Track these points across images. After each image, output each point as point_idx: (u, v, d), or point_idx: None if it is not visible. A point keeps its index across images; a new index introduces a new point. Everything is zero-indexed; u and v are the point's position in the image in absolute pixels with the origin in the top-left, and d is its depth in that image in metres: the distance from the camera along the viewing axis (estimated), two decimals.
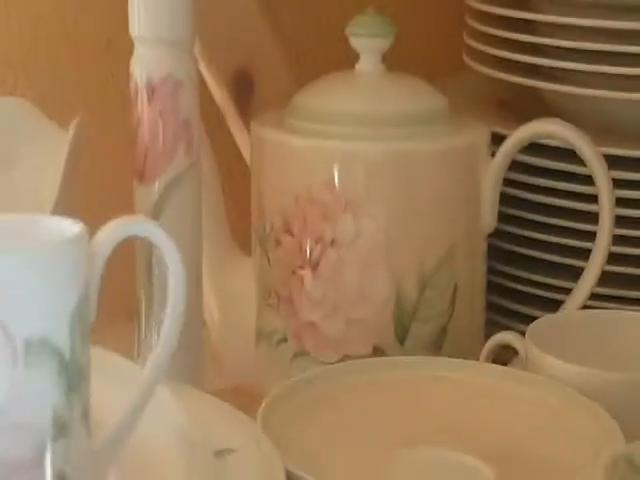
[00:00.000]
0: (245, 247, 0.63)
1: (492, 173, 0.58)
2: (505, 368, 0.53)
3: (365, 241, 0.56)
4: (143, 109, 0.55)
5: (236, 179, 0.71)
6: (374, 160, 0.56)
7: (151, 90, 0.55)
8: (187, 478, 0.33)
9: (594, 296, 0.58)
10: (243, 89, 0.68)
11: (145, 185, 0.56)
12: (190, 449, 0.35)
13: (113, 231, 0.33)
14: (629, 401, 0.48)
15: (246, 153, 0.66)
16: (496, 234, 0.62)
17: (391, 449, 0.48)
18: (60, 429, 0.30)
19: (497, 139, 0.59)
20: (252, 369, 0.61)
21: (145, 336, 0.56)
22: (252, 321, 0.61)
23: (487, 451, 0.48)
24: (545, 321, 0.55)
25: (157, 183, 0.55)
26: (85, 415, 0.32)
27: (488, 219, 0.59)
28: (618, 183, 0.57)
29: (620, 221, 0.58)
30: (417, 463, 0.48)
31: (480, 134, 0.58)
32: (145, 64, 0.55)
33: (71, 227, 0.32)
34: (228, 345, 0.63)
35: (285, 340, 0.59)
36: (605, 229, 0.57)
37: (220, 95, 0.67)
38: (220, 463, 0.35)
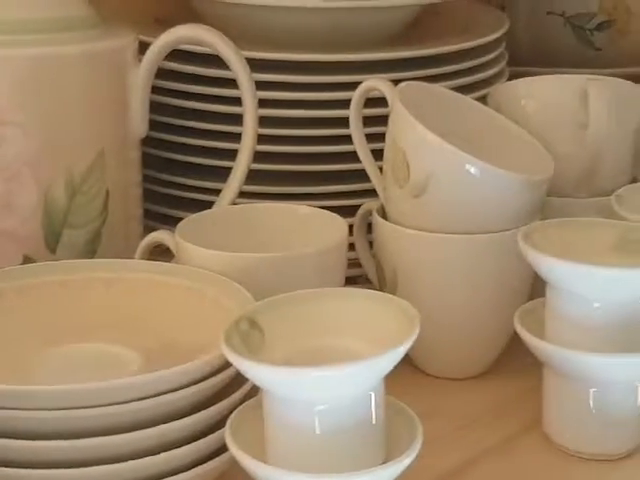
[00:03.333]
0: None
1: (140, 77, 0.58)
2: (154, 262, 0.53)
3: (9, 150, 0.55)
4: None
5: None
6: (16, 67, 0.54)
7: None
8: None
9: (242, 194, 0.60)
10: None
11: None
12: None
13: None
14: (260, 278, 0.50)
15: None
16: (150, 142, 0.62)
17: (42, 348, 0.49)
18: None
19: (147, 48, 0.59)
20: None
21: None
22: None
23: (140, 342, 0.49)
24: (194, 218, 0.56)
25: None
26: None
27: (138, 125, 0.59)
28: (259, 85, 0.59)
29: (263, 121, 0.60)
30: (65, 358, 0.48)
31: (126, 39, 0.58)
32: None
33: None
34: None
35: None
36: (249, 129, 0.59)
37: None
38: None
